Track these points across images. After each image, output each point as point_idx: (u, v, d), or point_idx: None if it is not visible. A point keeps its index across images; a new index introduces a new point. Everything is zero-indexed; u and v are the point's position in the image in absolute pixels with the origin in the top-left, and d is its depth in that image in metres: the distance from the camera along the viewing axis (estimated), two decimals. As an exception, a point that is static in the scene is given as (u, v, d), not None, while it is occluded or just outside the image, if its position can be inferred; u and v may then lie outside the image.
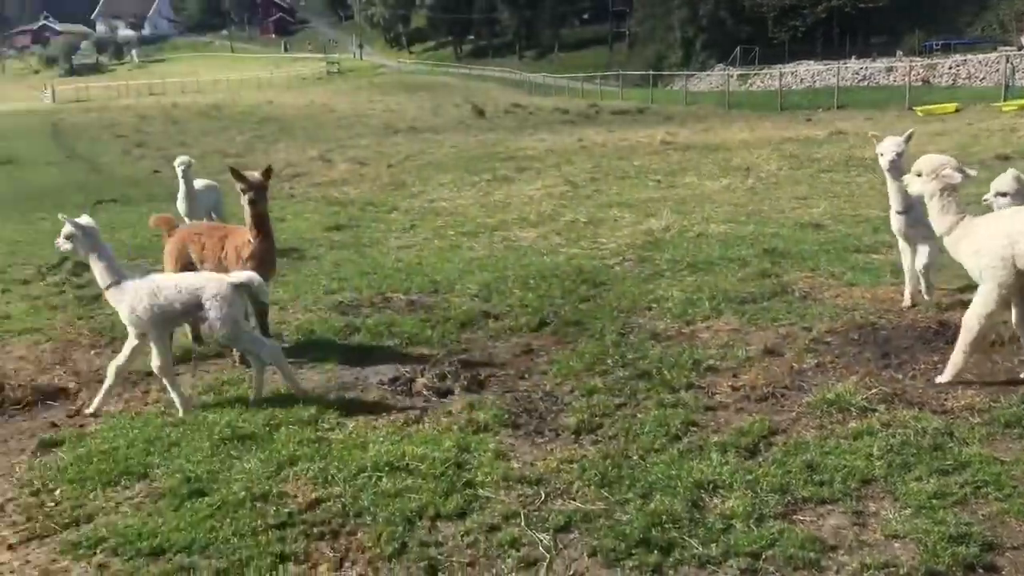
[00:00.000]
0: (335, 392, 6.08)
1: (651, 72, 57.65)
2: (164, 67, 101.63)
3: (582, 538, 4.06)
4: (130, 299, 5.75)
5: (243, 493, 4.51)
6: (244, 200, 6.72)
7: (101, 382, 6.51)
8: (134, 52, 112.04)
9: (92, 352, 7.38)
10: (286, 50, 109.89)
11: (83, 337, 7.82)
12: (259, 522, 4.24)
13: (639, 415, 5.36)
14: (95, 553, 4.10)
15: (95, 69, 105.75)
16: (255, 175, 6.80)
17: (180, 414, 5.73)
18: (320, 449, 5.03)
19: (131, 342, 5.90)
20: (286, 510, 4.35)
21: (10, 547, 4.23)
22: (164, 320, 5.80)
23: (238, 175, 6.76)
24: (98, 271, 5.88)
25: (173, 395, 5.83)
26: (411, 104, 49.46)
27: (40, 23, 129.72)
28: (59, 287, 9.87)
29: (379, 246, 11.35)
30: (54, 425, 5.76)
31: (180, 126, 41.63)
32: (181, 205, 11.06)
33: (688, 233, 10.90)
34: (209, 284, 5.75)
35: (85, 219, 5.95)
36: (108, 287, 5.86)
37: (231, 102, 54.82)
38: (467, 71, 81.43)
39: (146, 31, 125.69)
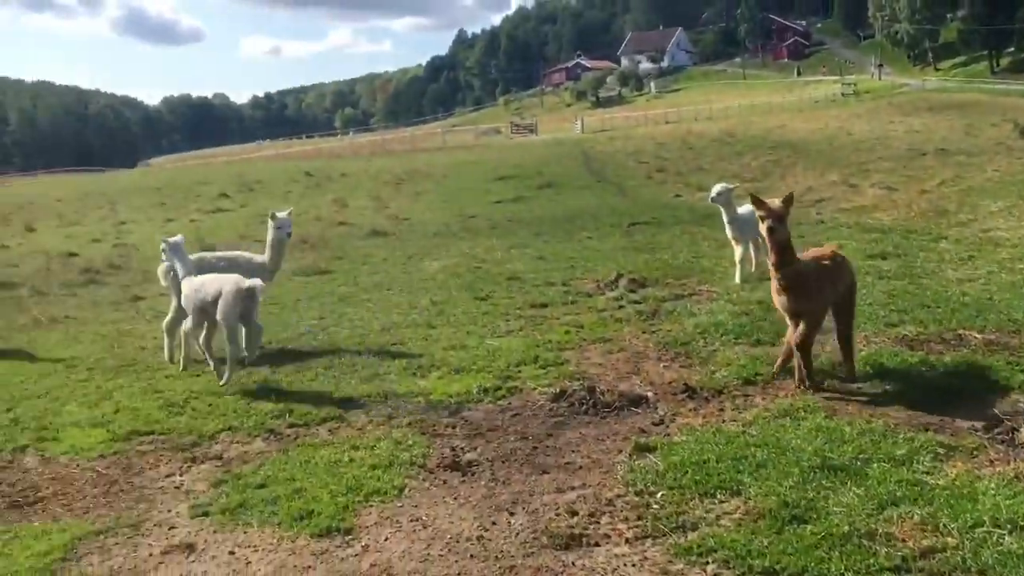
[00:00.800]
0: (919, 432, 5.68)
1: None
2: (678, 96, 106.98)
3: None
4: (187, 289, 8.47)
5: (847, 527, 4.40)
6: (763, 227, 6.68)
7: (675, 394, 6.93)
8: (652, 83, 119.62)
9: (661, 365, 7.84)
10: (799, 74, 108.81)
11: (650, 350, 8.38)
12: (871, 561, 4.10)
13: None
14: (708, 562, 4.28)
15: (618, 101, 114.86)
16: (775, 203, 6.67)
17: (180, 368, 8.83)
18: (922, 493, 4.73)
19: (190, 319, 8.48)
20: (899, 553, 4.14)
21: (627, 541, 4.60)
22: (201, 305, 8.20)
23: (757, 202, 6.75)
24: (179, 269, 8.77)
25: (176, 347, 9.06)
26: (938, 124, 45.67)
27: (574, 62, 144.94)
28: (618, 301, 10.72)
29: (934, 277, 10.53)
30: (642, 431, 6.20)
31: (695, 151, 43.13)
32: (728, 230, 11.36)
33: None
34: (225, 285, 8.07)
35: (173, 238, 8.95)
36: (182, 279, 8.65)
37: (743, 127, 55.65)
38: (1004, 86, 73.07)
39: (665, 63, 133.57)
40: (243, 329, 8.31)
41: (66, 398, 8.22)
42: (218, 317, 8.04)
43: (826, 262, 6.92)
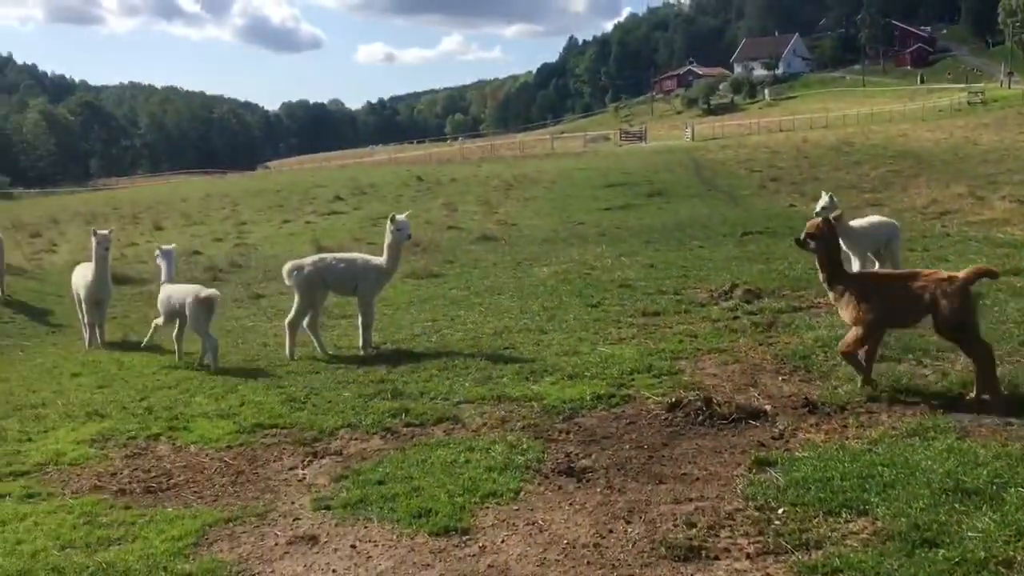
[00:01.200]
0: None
1: None
2: (793, 104, 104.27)
3: None
4: (162, 295, 10.28)
5: (983, 554, 4.20)
6: None
7: (795, 408, 6.77)
8: (766, 91, 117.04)
9: (779, 378, 7.65)
10: (922, 82, 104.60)
11: (767, 362, 8.20)
12: (1011, 591, 3.90)
13: None
14: (834, 581, 4.16)
15: (729, 108, 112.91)
16: (812, 221, 7.58)
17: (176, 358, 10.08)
18: (1065, 522, 4.47)
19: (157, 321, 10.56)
20: (1043, 584, 3.93)
21: (748, 556, 4.51)
22: (171, 311, 10.08)
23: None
24: (161, 275, 10.60)
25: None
26: (1075, 135, 43.24)
27: (685, 68, 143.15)
28: (732, 312, 10.54)
29: (1074, 296, 9.97)
30: (762, 444, 6.07)
31: (811, 161, 41.95)
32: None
33: None
34: (188, 296, 9.81)
35: (167, 246, 10.93)
36: (160, 285, 10.53)
37: (861, 136, 53.90)
38: None
39: (780, 70, 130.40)
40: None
41: (195, 390, 8.60)
42: (188, 322, 9.88)
43: (890, 280, 7.20)
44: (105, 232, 11.32)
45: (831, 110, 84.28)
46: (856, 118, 75.79)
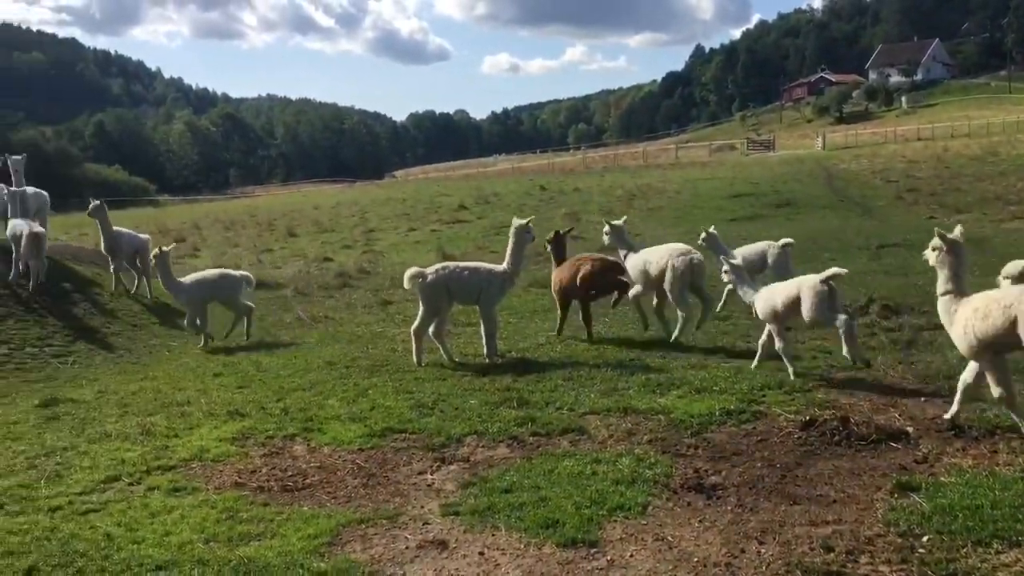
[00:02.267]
0: None
1: None
2: (933, 112, 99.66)
3: None
4: None
5: None
6: None
7: (939, 431, 6.45)
8: (903, 98, 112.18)
9: (921, 399, 7.31)
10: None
11: (907, 382, 7.87)
12: None
13: None
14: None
15: (863, 117, 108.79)
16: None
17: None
18: None
19: None
20: None
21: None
22: None
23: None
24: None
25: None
26: None
27: (817, 76, 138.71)
28: (870, 328, 10.16)
29: None
30: (903, 468, 5.81)
31: (952, 171, 39.99)
32: None
33: None
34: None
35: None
36: None
37: (1007, 146, 50.99)
38: None
39: (919, 76, 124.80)
40: None
41: (328, 393, 8.87)
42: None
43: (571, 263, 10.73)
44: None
45: (974, 118, 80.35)
46: (1001, 126, 71.82)
